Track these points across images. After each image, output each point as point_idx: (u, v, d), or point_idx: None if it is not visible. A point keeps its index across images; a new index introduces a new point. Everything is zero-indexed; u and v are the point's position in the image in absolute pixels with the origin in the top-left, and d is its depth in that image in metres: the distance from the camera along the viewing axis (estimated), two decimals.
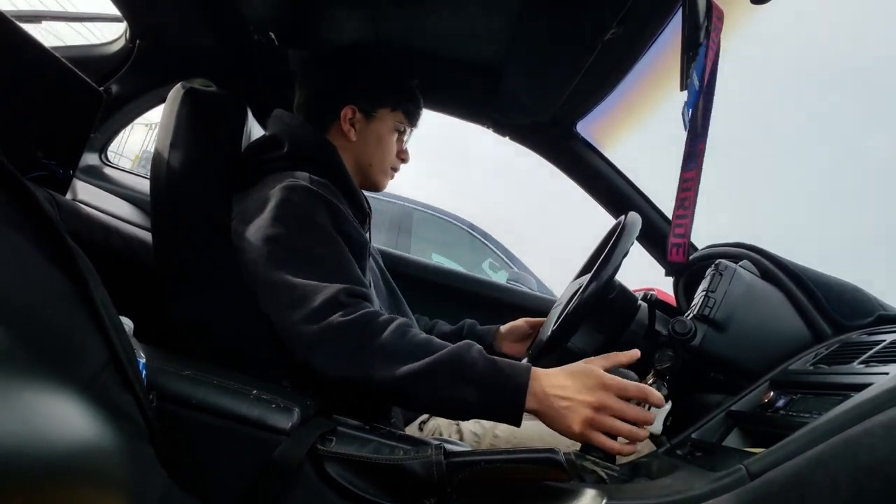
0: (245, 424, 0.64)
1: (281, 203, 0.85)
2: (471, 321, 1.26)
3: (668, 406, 0.87)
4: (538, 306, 1.57)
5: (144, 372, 0.59)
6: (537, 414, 0.71)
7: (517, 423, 0.72)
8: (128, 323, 0.63)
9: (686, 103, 0.71)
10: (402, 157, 1.12)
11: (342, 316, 0.75)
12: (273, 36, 1.23)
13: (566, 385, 0.70)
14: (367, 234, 1.05)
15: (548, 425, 0.72)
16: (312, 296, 0.77)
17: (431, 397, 0.72)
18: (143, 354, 0.60)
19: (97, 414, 0.44)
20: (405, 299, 1.18)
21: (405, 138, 1.11)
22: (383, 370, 0.72)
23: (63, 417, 0.40)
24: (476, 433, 1.01)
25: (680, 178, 0.82)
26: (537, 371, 0.73)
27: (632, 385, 0.70)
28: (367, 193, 1.12)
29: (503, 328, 1.21)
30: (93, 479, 0.42)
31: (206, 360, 0.76)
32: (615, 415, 0.69)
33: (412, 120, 1.11)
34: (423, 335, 0.77)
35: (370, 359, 0.73)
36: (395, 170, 1.12)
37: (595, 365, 0.72)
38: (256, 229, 0.85)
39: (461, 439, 1.00)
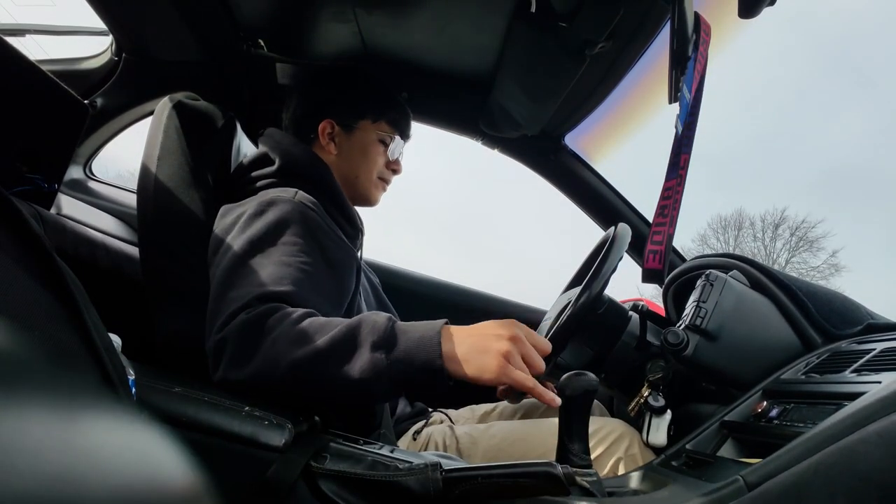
0: (237, 442, 0.63)
1: (252, 216, 0.84)
2: None
3: (668, 416, 0.87)
4: (531, 319, 1.57)
5: (134, 390, 0.58)
6: (455, 360, 0.67)
7: (442, 376, 0.67)
8: (116, 340, 0.62)
9: (678, 116, 0.73)
10: (394, 167, 1.11)
11: (247, 314, 0.70)
12: (262, 43, 1.22)
13: (480, 328, 0.70)
14: (360, 251, 1.05)
15: (468, 373, 0.67)
16: (228, 305, 0.72)
17: (345, 374, 0.66)
18: (132, 372, 0.59)
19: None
20: (400, 312, 1.17)
21: (392, 148, 1.09)
22: (287, 355, 0.67)
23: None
24: (472, 434, 1.01)
25: (662, 188, 0.84)
26: (449, 325, 0.70)
27: (525, 327, 0.71)
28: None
29: None
30: None
31: (195, 375, 0.74)
32: (525, 350, 0.68)
33: (398, 129, 1.09)
34: (336, 319, 0.71)
35: (274, 348, 0.67)
36: (385, 181, 1.11)
37: None
38: (221, 241, 0.84)
39: (457, 443, 1.00)
